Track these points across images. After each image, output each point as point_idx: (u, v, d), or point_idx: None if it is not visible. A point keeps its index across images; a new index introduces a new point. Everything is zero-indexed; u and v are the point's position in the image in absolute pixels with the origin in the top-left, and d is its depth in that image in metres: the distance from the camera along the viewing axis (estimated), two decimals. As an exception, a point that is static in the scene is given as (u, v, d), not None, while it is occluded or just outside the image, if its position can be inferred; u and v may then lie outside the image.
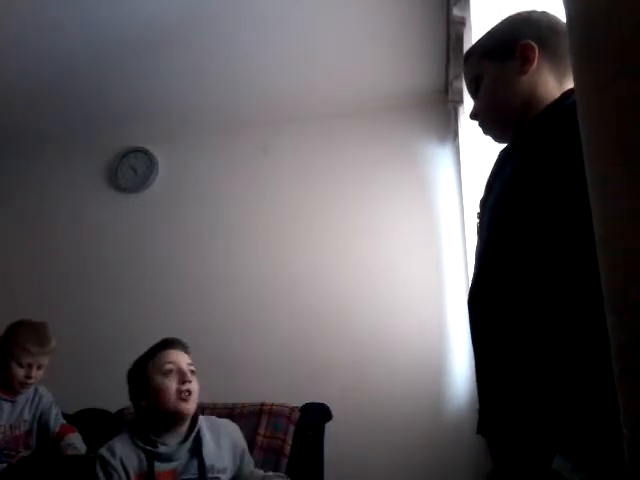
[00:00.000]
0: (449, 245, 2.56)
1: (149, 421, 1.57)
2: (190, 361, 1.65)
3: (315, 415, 2.07)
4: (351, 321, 2.55)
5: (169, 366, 1.58)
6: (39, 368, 1.93)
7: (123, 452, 1.50)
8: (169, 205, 2.95)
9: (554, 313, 0.72)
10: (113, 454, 1.49)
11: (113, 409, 2.25)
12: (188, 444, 1.55)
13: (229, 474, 1.59)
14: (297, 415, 2.04)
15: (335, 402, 2.10)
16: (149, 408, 1.56)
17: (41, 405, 2.01)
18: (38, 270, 2.99)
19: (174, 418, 1.55)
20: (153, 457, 1.51)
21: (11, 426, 1.89)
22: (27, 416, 1.96)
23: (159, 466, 1.50)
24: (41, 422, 2.00)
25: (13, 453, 1.88)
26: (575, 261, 0.69)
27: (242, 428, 1.98)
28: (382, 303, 2.55)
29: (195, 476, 1.51)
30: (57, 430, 2.01)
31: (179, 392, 1.54)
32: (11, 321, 1.98)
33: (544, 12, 0.95)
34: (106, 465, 1.48)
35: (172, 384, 1.55)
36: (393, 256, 2.60)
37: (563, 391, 0.70)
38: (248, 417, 2.01)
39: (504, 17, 1.02)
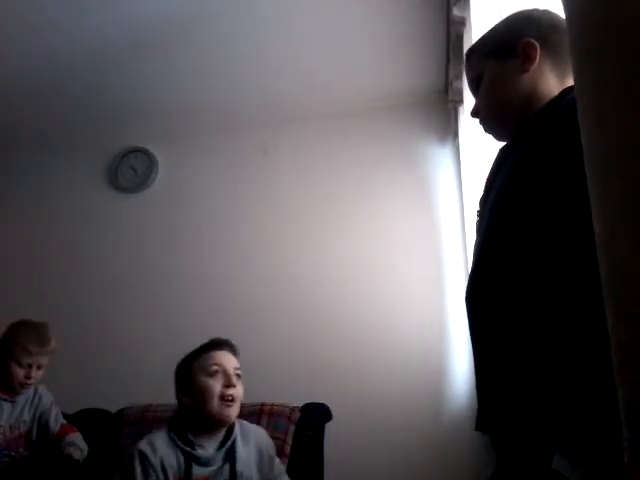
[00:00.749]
0: (449, 245, 2.56)
1: (190, 419, 1.55)
2: (237, 365, 1.62)
3: (315, 415, 2.06)
4: (351, 321, 2.55)
5: (215, 367, 1.56)
6: (39, 368, 1.92)
7: (163, 450, 1.47)
8: (169, 205, 2.95)
9: (553, 310, 0.72)
10: (154, 450, 1.46)
11: (113, 409, 2.25)
12: (224, 449, 1.53)
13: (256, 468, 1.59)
14: (297, 415, 2.04)
15: (335, 402, 2.10)
16: (191, 406, 1.54)
17: (41, 405, 2.01)
18: (38, 270, 2.99)
19: (215, 422, 1.53)
20: (191, 460, 1.48)
21: (11, 426, 1.89)
22: (27, 416, 1.96)
23: (196, 470, 1.48)
24: (41, 422, 2.00)
25: (13, 453, 1.88)
26: (574, 258, 0.69)
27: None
28: (382, 303, 2.55)
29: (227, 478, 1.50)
30: (57, 430, 2.00)
31: (222, 396, 1.52)
32: (11, 321, 1.98)
33: (546, 10, 0.95)
34: (145, 462, 1.45)
35: (216, 385, 1.53)
36: (393, 256, 2.60)
37: (561, 389, 0.70)
38: (248, 417, 2.00)
39: (505, 16, 1.02)
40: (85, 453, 1.94)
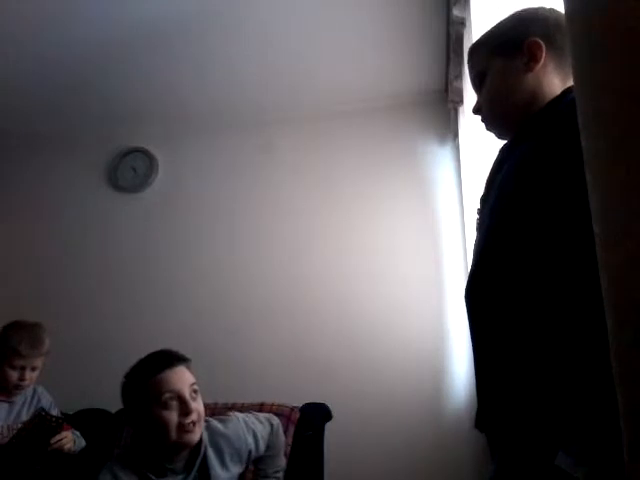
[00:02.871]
0: (449, 245, 2.56)
1: (149, 448, 1.41)
2: (193, 380, 1.44)
3: (315, 415, 2.06)
4: (351, 321, 2.55)
5: (168, 395, 1.36)
6: (33, 370, 1.90)
7: (127, 477, 1.36)
8: (169, 205, 2.95)
9: (553, 309, 0.72)
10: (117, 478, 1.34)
11: (113, 409, 2.25)
12: (194, 470, 1.42)
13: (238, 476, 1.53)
14: (297, 415, 2.04)
15: (335, 402, 2.10)
16: (148, 439, 1.40)
17: (40, 406, 2.00)
18: (38, 270, 2.99)
19: (177, 449, 1.40)
20: None
21: (9, 427, 1.88)
22: (25, 417, 1.95)
23: None
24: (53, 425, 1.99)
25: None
26: (574, 258, 0.69)
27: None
28: (382, 303, 2.55)
29: None
30: None
31: (181, 425, 1.36)
32: (10, 320, 1.97)
33: (552, 9, 0.94)
34: None
35: (173, 417, 1.36)
36: (393, 256, 2.60)
37: (562, 388, 0.70)
38: (248, 417, 2.00)
39: (510, 13, 1.01)
40: (78, 445, 1.92)
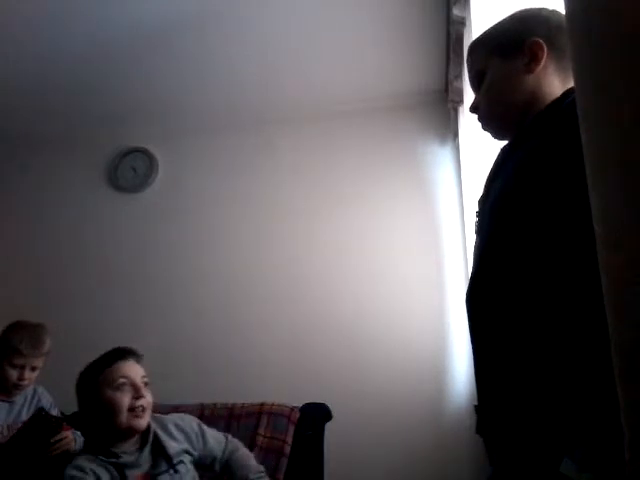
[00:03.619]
0: (449, 245, 2.56)
1: (102, 435, 1.51)
2: (144, 373, 1.57)
3: (315, 415, 2.06)
4: (351, 321, 2.55)
5: (122, 380, 1.50)
6: (33, 370, 1.90)
7: (94, 469, 1.44)
8: (169, 205, 2.95)
9: (554, 311, 0.72)
10: (84, 470, 1.42)
11: (113, 409, 2.25)
12: (148, 447, 1.52)
13: (189, 457, 1.58)
14: (297, 415, 2.04)
15: (335, 402, 2.10)
16: (100, 423, 1.50)
17: (40, 406, 2.00)
18: (38, 270, 2.99)
19: (127, 433, 1.50)
20: (122, 468, 1.47)
21: (9, 427, 1.88)
22: (25, 417, 1.94)
23: (131, 474, 1.47)
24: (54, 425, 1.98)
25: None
26: (575, 259, 0.69)
27: (242, 428, 1.97)
28: (382, 303, 2.55)
29: (166, 468, 1.50)
30: None
31: (132, 408, 1.48)
32: (11, 321, 1.98)
33: (554, 10, 0.93)
34: None
35: (125, 399, 1.48)
36: (393, 256, 2.60)
37: (564, 392, 0.69)
38: (248, 417, 2.01)
39: (511, 12, 1.00)
40: (78, 445, 1.92)
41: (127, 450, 1.50)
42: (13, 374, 1.86)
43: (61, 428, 1.79)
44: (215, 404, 2.13)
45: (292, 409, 2.05)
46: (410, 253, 2.59)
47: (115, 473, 1.45)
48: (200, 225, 2.88)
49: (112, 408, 1.47)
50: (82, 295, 2.88)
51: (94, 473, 1.42)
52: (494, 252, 0.83)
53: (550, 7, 0.95)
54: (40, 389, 2.03)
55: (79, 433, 1.96)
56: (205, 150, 2.98)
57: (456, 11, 1.88)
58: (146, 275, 2.85)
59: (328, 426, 2.05)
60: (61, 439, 1.79)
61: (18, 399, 1.94)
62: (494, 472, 0.83)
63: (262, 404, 2.07)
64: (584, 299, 0.66)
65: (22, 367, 1.87)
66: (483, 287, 0.85)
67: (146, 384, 1.55)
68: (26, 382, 1.89)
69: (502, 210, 0.84)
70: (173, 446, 1.56)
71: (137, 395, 1.50)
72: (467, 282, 0.91)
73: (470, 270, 0.94)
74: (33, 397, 2.00)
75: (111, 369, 1.53)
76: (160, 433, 1.57)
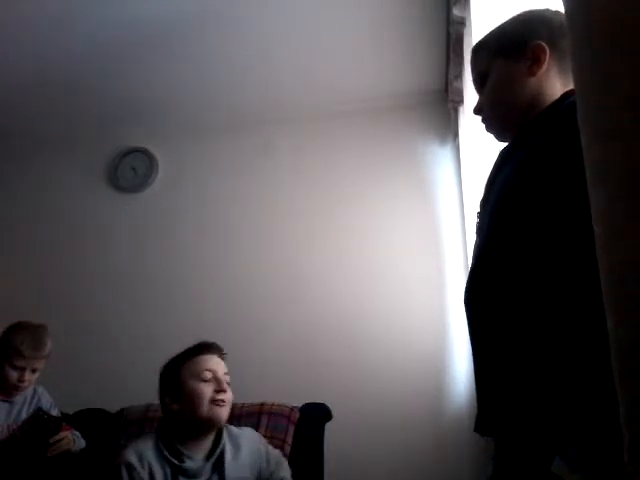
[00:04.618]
0: (449, 245, 2.56)
1: (178, 426, 1.52)
2: (226, 370, 1.61)
3: (315, 415, 2.06)
4: (351, 321, 2.55)
5: (207, 373, 1.54)
6: (33, 371, 1.90)
7: (151, 462, 1.44)
8: (169, 205, 2.95)
9: (553, 312, 0.72)
10: (142, 462, 1.43)
11: (113, 409, 2.25)
12: (212, 459, 1.51)
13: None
14: (297, 415, 2.04)
15: (335, 402, 2.10)
16: (180, 412, 1.51)
17: (40, 406, 2.00)
18: (38, 270, 2.99)
19: (206, 425, 1.51)
20: (178, 473, 1.46)
21: (9, 427, 1.88)
22: (25, 417, 1.95)
23: None
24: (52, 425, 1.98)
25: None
26: (574, 260, 0.69)
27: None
28: (382, 303, 2.55)
29: None
30: None
31: (214, 400, 1.51)
32: (11, 321, 1.97)
33: (557, 12, 0.93)
34: (133, 473, 1.41)
35: (208, 390, 1.51)
36: (393, 256, 2.60)
37: (561, 391, 0.70)
38: (248, 417, 2.01)
39: (509, 15, 0.99)
40: (78, 445, 1.93)
41: (194, 455, 1.50)
42: (13, 375, 1.86)
43: (60, 428, 1.79)
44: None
45: (292, 409, 2.05)
46: (410, 253, 2.59)
47: (169, 475, 1.45)
48: (200, 225, 2.88)
49: (196, 398, 1.49)
50: (82, 295, 2.88)
51: (150, 468, 1.43)
52: (493, 252, 0.83)
53: (553, 9, 0.95)
54: (40, 389, 2.03)
55: (78, 434, 1.96)
56: (205, 150, 2.98)
57: (456, 11, 1.88)
58: (146, 275, 2.85)
59: (328, 426, 2.05)
60: (60, 439, 1.79)
61: (18, 399, 1.94)
62: (494, 471, 0.84)
63: (262, 404, 2.07)
64: (583, 299, 0.66)
65: (22, 369, 1.87)
66: (482, 287, 0.85)
67: (228, 383, 1.58)
68: (26, 384, 1.89)
69: (502, 210, 0.84)
70: (233, 471, 1.53)
71: (219, 388, 1.53)
72: (465, 283, 0.91)
73: (469, 271, 0.94)
74: (33, 397, 1.99)
75: (196, 360, 1.56)
76: (228, 453, 1.55)
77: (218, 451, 1.52)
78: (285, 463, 1.72)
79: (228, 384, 1.58)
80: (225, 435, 1.58)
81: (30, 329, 1.92)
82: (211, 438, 1.55)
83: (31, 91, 2.66)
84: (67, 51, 2.35)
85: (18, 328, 1.92)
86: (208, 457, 1.51)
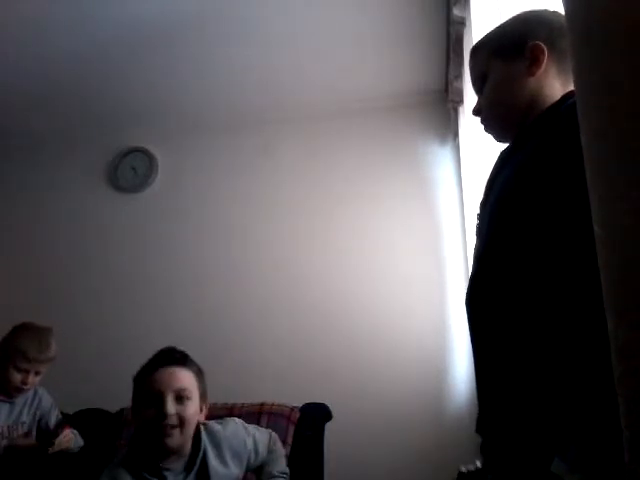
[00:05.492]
0: (449, 245, 2.56)
1: (145, 452, 1.40)
2: (183, 384, 1.40)
3: (315, 415, 2.06)
4: (351, 321, 2.55)
5: (149, 395, 1.37)
6: (36, 374, 1.89)
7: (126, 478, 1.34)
8: (169, 205, 2.95)
9: (553, 313, 0.72)
10: None
11: (113, 409, 2.25)
12: (195, 469, 1.41)
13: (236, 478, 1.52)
14: (297, 415, 2.04)
15: (335, 402, 2.10)
16: (143, 441, 1.40)
17: (41, 407, 2.00)
18: (38, 270, 2.99)
19: (161, 452, 1.37)
20: None
21: (9, 427, 1.88)
22: (26, 417, 1.95)
23: None
24: (41, 425, 1.98)
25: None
26: (575, 261, 0.69)
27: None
28: (382, 303, 2.55)
29: None
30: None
31: (158, 427, 1.34)
32: (10, 321, 1.97)
33: (556, 12, 0.93)
34: None
35: (151, 417, 1.35)
36: (394, 256, 2.60)
37: (561, 392, 0.70)
38: (248, 417, 2.00)
39: (509, 15, 0.99)
40: (76, 444, 1.93)
41: (174, 468, 1.39)
42: (17, 377, 1.85)
43: (62, 429, 1.80)
44: (215, 404, 2.13)
45: (292, 409, 2.05)
46: (410, 253, 2.59)
47: None
48: (200, 225, 2.88)
49: (141, 425, 1.38)
50: (82, 295, 2.88)
51: None
52: (494, 253, 0.83)
53: (551, 9, 0.95)
54: (41, 390, 2.03)
55: (76, 432, 1.97)
56: (205, 150, 2.98)
57: (456, 11, 1.88)
58: (146, 275, 2.85)
59: (328, 426, 2.05)
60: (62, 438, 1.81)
61: (19, 400, 1.94)
62: (494, 474, 0.84)
63: (262, 404, 2.07)
64: (583, 300, 0.66)
65: (27, 371, 1.86)
66: (483, 288, 0.85)
67: (182, 397, 1.39)
68: (29, 386, 1.89)
69: (502, 212, 0.84)
70: (220, 475, 1.44)
71: (160, 413, 1.34)
72: (467, 283, 0.91)
73: (470, 271, 0.94)
74: (34, 398, 1.99)
75: (145, 380, 1.40)
76: (210, 457, 1.44)
77: (199, 459, 1.42)
78: (278, 443, 1.67)
79: (183, 398, 1.39)
80: (204, 437, 1.46)
81: (36, 332, 1.91)
82: (187, 445, 1.42)
83: (31, 91, 2.66)
84: (67, 51, 2.35)
85: (24, 330, 1.91)
86: (190, 466, 1.41)
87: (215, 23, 2.19)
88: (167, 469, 1.38)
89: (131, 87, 2.66)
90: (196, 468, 1.41)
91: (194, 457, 1.42)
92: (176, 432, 1.36)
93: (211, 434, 1.49)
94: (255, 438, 1.60)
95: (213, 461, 1.45)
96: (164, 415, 1.34)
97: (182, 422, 1.37)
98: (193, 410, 1.41)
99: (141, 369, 1.45)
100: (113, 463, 1.41)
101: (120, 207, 3.01)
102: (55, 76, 2.54)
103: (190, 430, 1.40)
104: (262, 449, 1.61)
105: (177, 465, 1.40)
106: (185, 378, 1.42)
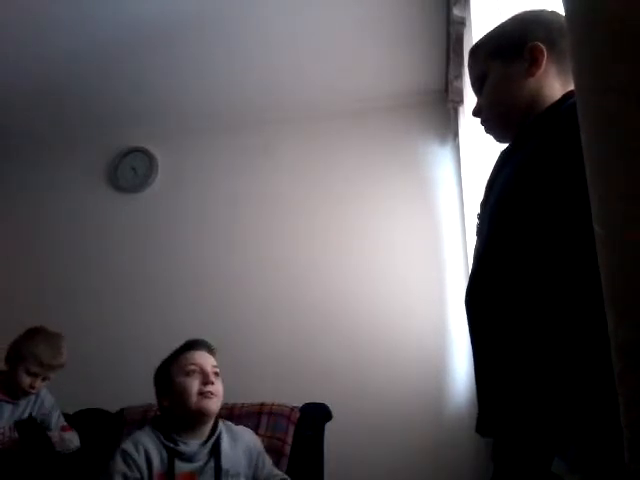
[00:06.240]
0: (449, 245, 2.56)
1: (172, 420, 1.58)
2: (215, 363, 1.66)
3: (315, 415, 2.06)
4: (351, 321, 2.55)
5: (192, 367, 1.59)
6: (44, 379, 1.91)
7: (147, 447, 1.50)
8: (169, 205, 2.95)
9: (553, 313, 0.72)
10: (137, 449, 1.49)
11: (113, 409, 2.25)
12: (209, 445, 1.56)
13: (242, 479, 1.59)
14: (297, 415, 2.04)
15: (335, 402, 2.10)
16: (172, 407, 1.58)
17: (43, 408, 2.00)
18: (38, 270, 2.99)
19: (196, 417, 1.56)
20: (174, 455, 1.51)
21: (11, 428, 1.88)
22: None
23: (179, 466, 1.50)
24: (42, 425, 1.99)
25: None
26: (575, 260, 0.69)
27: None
28: (382, 303, 2.55)
29: (211, 479, 1.52)
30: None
31: (201, 392, 1.56)
32: (10, 321, 1.97)
33: (555, 12, 0.92)
34: (128, 459, 1.47)
35: (194, 384, 1.57)
36: (393, 256, 2.60)
37: (561, 392, 0.70)
38: (248, 417, 2.01)
39: (509, 15, 0.99)
40: (72, 445, 1.94)
41: (189, 442, 1.55)
42: (26, 381, 1.86)
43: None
44: (215, 404, 2.13)
45: (292, 409, 2.05)
46: (410, 253, 2.59)
47: (165, 458, 1.50)
48: (200, 225, 2.88)
49: (183, 392, 1.55)
50: (82, 295, 2.88)
51: (146, 453, 1.49)
52: (493, 253, 0.83)
53: (550, 9, 0.94)
54: (43, 391, 2.03)
55: (74, 432, 1.97)
56: (205, 150, 2.98)
57: (456, 11, 1.88)
58: (146, 275, 2.85)
59: (328, 426, 2.05)
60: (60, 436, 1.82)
61: (22, 400, 1.94)
62: (495, 472, 0.84)
63: (262, 404, 2.07)
64: (583, 299, 0.67)
65: (36, 375, 1.88)
66: (483, 288, 0.85)
67: (216, 374, 1.63)
68: (35, 390, 1.91)
69: (502, 212, 0.84)
70: (229, 460, 1.57)
71: (205, 381, 1.58)
72: (466, 284, 0.91)
73: (470, 272, 0.94)
74: (37, 399, 2.00)
75: (182, 357, 1.63)
76: (225, 441, 1.60)
77: (214, 438, 1.58)
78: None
79: (217, 376, 1.63)
80: (222, 426, 1.63)
81: (51, 338, 1.92)
82: (206, 429, 1.59)
83: (31, 91, 2.66)
84: (67, 51, 2.35)
85: (39, 335, 1.92)
86: (204, 443, 1.57)
87: (215, 23, 2.19)
88: (183, 442, 1.54)
89: (131, 87, 2.66)
90: (210, 445, 1.57)
91: (210, 436, 1.59)
92: (215, 399, 1.59)
93: (229, 428, 1.67)
94: (265, 455, 1.72)
95: (227, 447, 1.59)
96: (210, 382, 1.58)
97: (218, 394, 1.61)
98: (222, 387, 1.64)
99: (172, 353, 1.67)
100: (136, 432, 1.59)
101: (120, 207, 3.01)
102: (55, 76, 2.54)
103: (220, 403, 1.62)
104: (268, 462, 1.70)
105: (193, 440, 1.56)
106: (213, 359, 1.67)
